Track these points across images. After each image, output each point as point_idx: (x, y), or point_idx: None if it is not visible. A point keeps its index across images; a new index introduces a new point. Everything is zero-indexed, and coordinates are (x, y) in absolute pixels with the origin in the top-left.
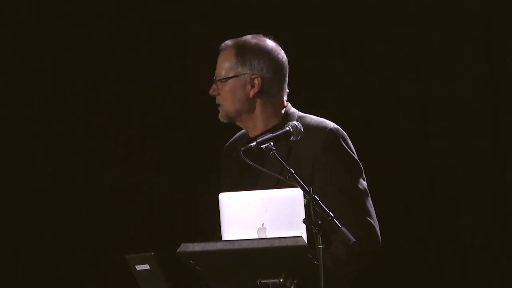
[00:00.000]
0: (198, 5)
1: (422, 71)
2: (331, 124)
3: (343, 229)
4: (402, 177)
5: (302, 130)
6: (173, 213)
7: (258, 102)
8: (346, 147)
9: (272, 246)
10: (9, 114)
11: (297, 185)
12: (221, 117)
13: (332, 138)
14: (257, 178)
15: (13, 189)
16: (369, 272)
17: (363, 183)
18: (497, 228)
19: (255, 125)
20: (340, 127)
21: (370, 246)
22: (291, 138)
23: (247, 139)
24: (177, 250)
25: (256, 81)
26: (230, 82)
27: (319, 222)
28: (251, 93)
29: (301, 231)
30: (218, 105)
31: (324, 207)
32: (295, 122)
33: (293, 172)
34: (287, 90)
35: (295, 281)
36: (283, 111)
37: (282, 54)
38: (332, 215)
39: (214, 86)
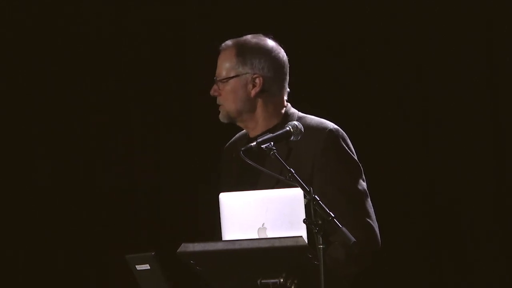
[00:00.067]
0: (198, 5)
1: (422, 71)
2: (331, 124)
3: (344, 229)
4: (402, 177)
5: (303, 130)
6: (173, 213)
7: (259, 101)
8: (346, 148)
9: (272, 246)
10: (9, 114)
11: (297, 185)
12: (222, 117)
13: (332, 139)
14: (257, 178)
15: (13, 189)
16: (369, 272)
17: (363, 184)
18: (497, 228)
19: (255, 125)
20: (340, 127)
21: (369, 247)
22: (291, 138)
23: (247, 139)
24: (178, 250)
25: (257, 80)
26: (232, 82)
27: (320, 222)
28: (253, 92)
29: (302, 231)
30: (219, 105)
31: (325, 207)
32: (296, 122)
33: (293, 172)
34: (288, 90)
35: (295, 281)
36: (283, 111)
37: (282, 53)
38: (333, 215)
39: (215, 86)
